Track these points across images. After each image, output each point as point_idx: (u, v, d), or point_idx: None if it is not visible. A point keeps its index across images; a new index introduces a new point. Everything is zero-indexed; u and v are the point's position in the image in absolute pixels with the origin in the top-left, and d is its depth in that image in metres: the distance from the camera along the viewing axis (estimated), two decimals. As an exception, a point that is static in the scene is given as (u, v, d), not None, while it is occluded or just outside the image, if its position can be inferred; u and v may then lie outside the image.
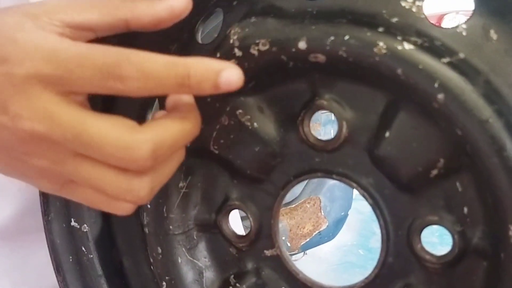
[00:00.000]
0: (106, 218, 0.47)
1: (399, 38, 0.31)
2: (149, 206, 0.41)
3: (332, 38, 0.33)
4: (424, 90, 0.31)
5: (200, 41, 0.40)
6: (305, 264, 2.15)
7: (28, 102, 0.31)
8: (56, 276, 0.47)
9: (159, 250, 0.42)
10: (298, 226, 2.01)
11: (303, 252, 2.14)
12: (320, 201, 2.07)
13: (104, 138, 0.30)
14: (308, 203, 2.05)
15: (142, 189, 0.32)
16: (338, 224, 2.14)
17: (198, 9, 0.40)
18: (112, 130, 0.31)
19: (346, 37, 0.32)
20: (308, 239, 2.03)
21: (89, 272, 0.47)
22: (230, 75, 0.31)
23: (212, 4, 0.40)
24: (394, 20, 0.32)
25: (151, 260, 0.43)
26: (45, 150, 0.32)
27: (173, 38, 0.41)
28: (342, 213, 2.15)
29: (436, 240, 1.37)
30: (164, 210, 0.41)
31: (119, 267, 0.47)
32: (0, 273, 0.52)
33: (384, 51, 0.31)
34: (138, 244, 0.46)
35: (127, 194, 0.32)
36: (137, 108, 0.44)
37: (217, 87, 0.31)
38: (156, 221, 0.42)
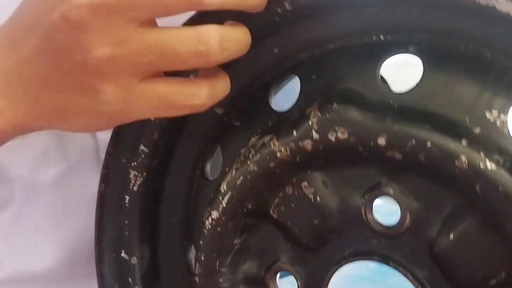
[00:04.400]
0: (154, 252, 0.48)
1: (482, 155, 0.32)
2: (202, 258, 0.42)
3: (413, 142, 0.33)
4: (500, 210, 0.31)
5: (272, 106, 0.41)
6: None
7: None
8: (101, 304, 0.48)
9: (207, 301, 0.43)
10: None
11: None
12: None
13: None
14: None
15: (216, 42, 0.33)
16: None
17: (272, 67, 0.41)
18: None
19: (428, 144, 0.33)
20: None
21: None
22: None
23: (287, 68, 0.40)
24: (477, 131, 0.33)
25: (198, 308, 0.44)
26: (104, 29, 0.32)
27: (244, 97, 0.42)
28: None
29: None
30: (217, 264, 0.42)
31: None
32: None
33: (465, 166, 0.32)
34: (182, 282, 0.47)
35: (197, 41, 0.33)
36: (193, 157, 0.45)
37: None
38: (207, 274, 0.42)
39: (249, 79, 0.42)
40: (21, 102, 0.36)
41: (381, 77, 0.37)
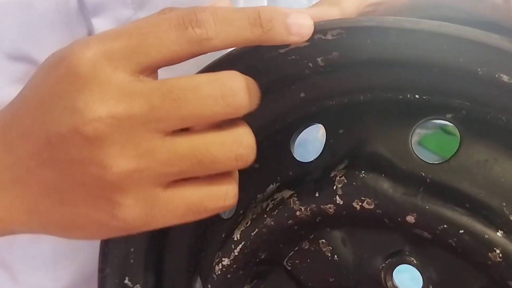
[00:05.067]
0: (158, 280, 0.47)
1: None
2: (208, 300, 0.41)
3: (445, 226, 0.31)
4: None
5: (294, 154, 0.38)
6: None
7: (98, 87, 0.28)
8: (102, 331, 0.47)
9: None
10: None
11: None
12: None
13: (196, 80, 0.29)
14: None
15: (253, 142, 0.31)
16: None
17: (296, 109, 0.38)
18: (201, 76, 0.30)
19: (461, 231, 0.31)
20: None
21: None
22: (300, 20, 0.31)
23: (313, 113, 0.38)
24: None
25: None
26: (126, 142, 0.29)
27: (264, 136, 0.40)
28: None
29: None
30: (224, 308, 0.41)
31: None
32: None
33: (499, 259, 0.30)
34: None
35: (236, 145, 0.30)
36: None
37: (289, 30, 0.31)
38: (214, 317, 0.41)
39: (271, 118, 0.39)
40: (14, 210, 0.31)
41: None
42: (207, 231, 0.43)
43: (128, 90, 0.29)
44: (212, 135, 0.30)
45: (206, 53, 0.30)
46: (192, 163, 0.30)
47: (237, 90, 0.29)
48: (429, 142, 1.90)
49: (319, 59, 0.33)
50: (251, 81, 0.31)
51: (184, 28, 0.29)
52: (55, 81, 0.30)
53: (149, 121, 0.29)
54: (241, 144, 0.30)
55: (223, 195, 0.32)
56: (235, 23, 0.30)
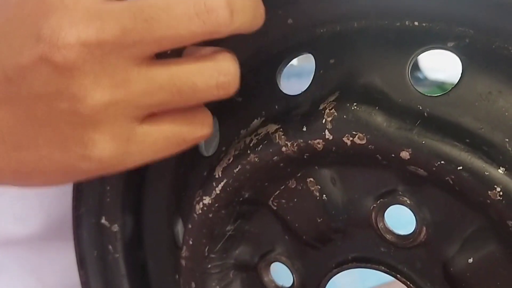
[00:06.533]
0: (138, 221, 0.45)
1: None
2: (190, 242, 0.39)
3: (442, 162, 0.28)
4: None
5: (280, 87, 0.35)
6: None
7: (66, 11, 0.26)
8: (79, 271, 0.45)
9: (193, 285, 0.40)
10: None
11: None
12: None
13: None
14: None
15: (236, 70, 0.29)
16: None
17: (283, 38, 0.36)
18: None
19: (459, 168, 0.28)
20: None
21: (113, 270, 0.45)
22: None
23: (301, 42, 0.35)
24: None
25: (183, 290, 0.41)
26: (99, 71, 0.26)
27: (249, 68, 0.37)
28: None
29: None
30: (206, 250, 0.39)
31: (144, 270, 0.46)
32: (26, 272, 0.50)
33: (499, 197, 0.28)
34: (167, 254, 0.44)
35: (217, 72, 0.28)
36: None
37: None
38: (195, 259, 0.39)
39: (255, 48, 0.37)
40: None
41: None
42: (188, 171, 0.41)
43: (97, 12, 0.26)
44: (190, 62, 0.28)
45: None
46: (172, 93, 0.28)
47: (215, 6, 0.26)
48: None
49: None
50: None
51: None
52: (16, 6, 0.27)
53: (122, 46, 0.26)
54: (222, 71, 0.28)
55: (200, 125, 0.30)
56: None
